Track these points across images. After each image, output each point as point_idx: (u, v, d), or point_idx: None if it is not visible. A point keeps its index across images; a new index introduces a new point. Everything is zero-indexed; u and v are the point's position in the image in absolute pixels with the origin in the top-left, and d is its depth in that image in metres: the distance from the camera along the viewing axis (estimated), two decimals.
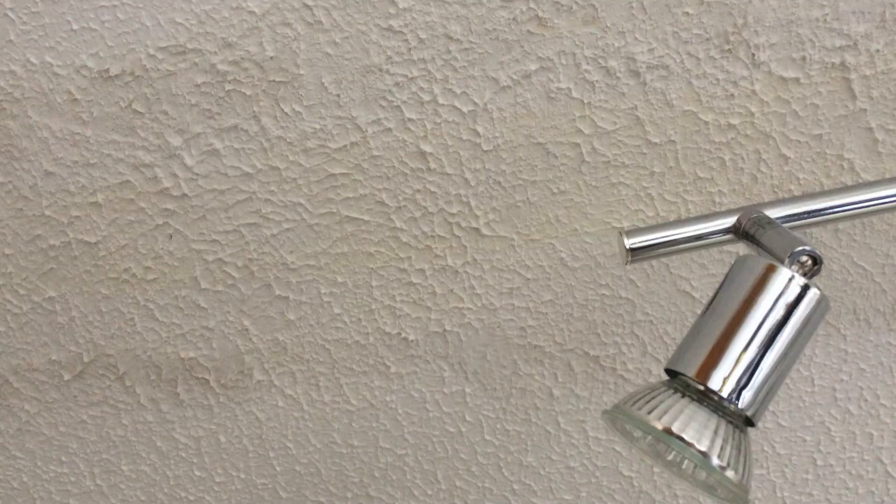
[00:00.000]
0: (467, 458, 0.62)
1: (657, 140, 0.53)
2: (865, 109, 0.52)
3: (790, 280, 0.37)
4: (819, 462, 0.61)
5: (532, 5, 0.51)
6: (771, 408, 0.60)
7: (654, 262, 0.56)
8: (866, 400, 0.59)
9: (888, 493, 0.62)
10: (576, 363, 0.59)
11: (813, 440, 0.61)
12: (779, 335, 0.36)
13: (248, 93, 0.53)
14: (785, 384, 0.59)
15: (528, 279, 0.57)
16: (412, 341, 0.59)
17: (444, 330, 0.58)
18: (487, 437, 0.61)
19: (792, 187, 0.53)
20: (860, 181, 0.53)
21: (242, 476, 0.63)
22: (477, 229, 0.56)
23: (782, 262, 0.37)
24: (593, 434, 0.61)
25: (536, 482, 0.63)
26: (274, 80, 0.52)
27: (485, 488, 0.63)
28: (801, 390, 0.59)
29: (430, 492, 0.63)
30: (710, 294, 0.57)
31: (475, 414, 0.61)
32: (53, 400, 0.61)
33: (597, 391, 0.60)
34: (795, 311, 0.36)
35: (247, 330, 0.59)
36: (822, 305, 0.37)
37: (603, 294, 0.57)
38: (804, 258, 0.37)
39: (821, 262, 0.37)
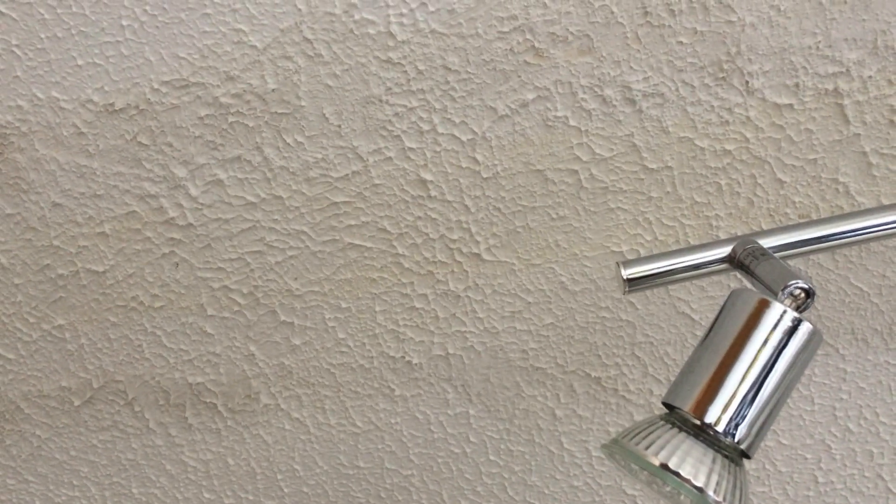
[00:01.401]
0: (472, 479, 0.63)
1: (654, 166, 0.54)
2: (859, 134, 0.52)
3: (783, 314, 0.37)
4: (820, 479, 0.62)
5: (528, 36, 0.51)
6: (772, 426, 0.60)
7: None
8: (866, 418, 0.60)
9: None
10: (578, 384, 0.60)
11: (814, 458, 0.61)
12: (773, 369, 0.37)
13: (251, 124, 0.54)
14: (785, 403, 0.60)
15: (530, 303, 0.58)
16: (416, 364, 0.59)
17: (448, 353, 0.59)
18: (492, 458, 0.62)
19: (788, 211, 0.54)
20: (855, 204, 0.54)
21: (251, 498, 0.64)
22: (478, 254, 0.56)
23: (775, 294, 0.38)
24: (596, 454, 0.62)
25: (541, 502, 0.64)
26: (276, 112, 0.53)
27: None
28: (802, 409, 0.60)
29: None
30: (710, 317, 0.58)
31: (479, 435, 0.62)
32: (64, 425, 0.62)
33: (599, 412, 0.61)
34: (788, 345, 0.37)
35: (253, 355, 0.60)
36: (814, 339, 0.38)
37: (603, 317, 0.58)
38: (797, 291, 0.38)
39: (813, 295, 0.38)
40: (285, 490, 0.64)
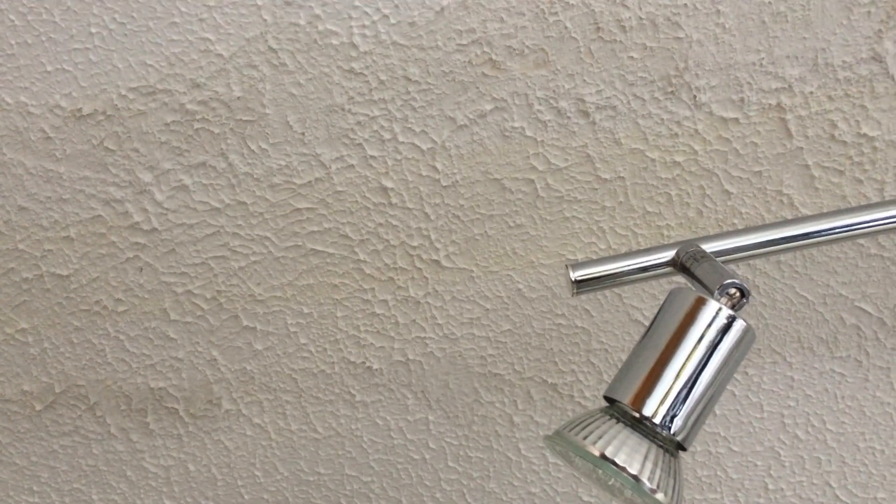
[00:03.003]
0: (431, 485, 0.64)
1: (607, 176, 0.56)
2: (802, 148, 0.55)
3: (718, 311, 0.39)
4: (770, 486, 0.63)
5: (486, 49, 0.53)
6: (722, 433, 0.62)
7: (606, 293, 0.58)
8: (813, 425, 0.61)
9: None
10: (535, 391, 0.61)
11: (764, 465, 0.63)
12: (708, 364, 0.38)
13: (217, 131, 0.55)
14: (735, 410, 0.61)
15: (488, 309, 0.59)
16: (376, 370, 0.61)
17: (408, 359, 0.60)
18: (451, 464, 0.63)
19: (735, 221, 0.56)
20: (799, 215, 0.56)
21: None
22: (437, 261, 0.58)
23: (712, 293, 0.39)
24: (553, 460, 0.63)
25: None
26: (241, 119, 0.55)
27: None
28: (751, 416, 0.61)
29: None
30: None
31: (438, 441, 0.63)
32: (25, 430, 0.62)
33: (556, 418, 0.62)
34: (723, 341, 0.39)
35: (215, 360, 0.60)
36: (748, 336, 0.39)
37: (559, 323, 0.59)
38: (732, 290, 0.39)
39: (748, 294, 0.40)
40: (245, 497, 0.64)
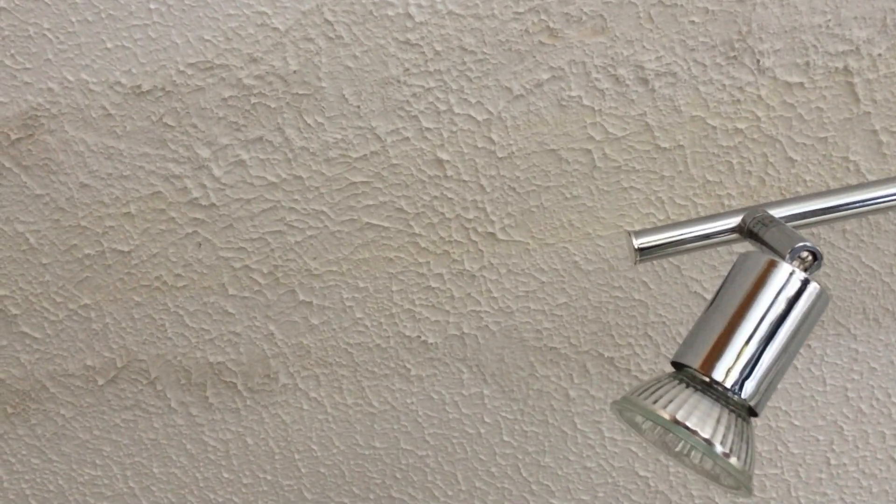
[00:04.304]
0: (486, 460, 0.64)
1: (666, 145, 0.55)
2: (869, 112, 0.53)
3: (791, 275, 0.38)
4: (833, 461, 0.62)
5: (543, 17, 0.53)
6: (784, 407, 0.61)
7: (665, 265, 0.58)
8: (878, 399, 0.60)
9: None
10: (591, 365, 0.61)
11: (826, 439, 0.61)
12: (780, 328, 0.38)
13: (273, 105, 0.55)
14: (797, 383, 0.60)
15: (543, 282, 0.58)
16: (431, 344, 0.61)
17: (463, 333, 0.60)
18: (506, 439, 0.63)
19: (799, 189, 0.55)
20: (866, 182, 0.54)
21: (269, 478, 0.65)
22: (493, 234, 0.58)
23: (783, 258, 0.39)
24: (609, 435, 0.63)
25: (554, 483, 0.64)
26: (297, 93, 0.55)
27: (504, 489, 0.64)
28: (814, 390, 0.60)
29: (450, 493, 0.65)
30: None
31: (493, 416, 0.62)
32: (88, 405, 0.63)
33: (612, 392, 0.61)
34: (796, 304, 0.38)
35: (272, 335, 0.61)
36: (822, 299, 0.38)
37: (616, 296, 0.59)
38: (804, 254, 0.39)
39: (821, 258, 0.39)
40: (303, 470, 0.65)
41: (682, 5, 0.52)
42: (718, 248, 0.54)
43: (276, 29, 0.54)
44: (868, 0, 0.51)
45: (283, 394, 0.62)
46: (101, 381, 0.62)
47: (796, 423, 0.61)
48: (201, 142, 0.56)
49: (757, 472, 0.63)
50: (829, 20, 0.51)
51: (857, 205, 0.45)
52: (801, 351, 0.59)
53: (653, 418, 0.36)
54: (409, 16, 0.53)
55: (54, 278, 0.59)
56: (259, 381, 0.62)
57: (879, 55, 0.52)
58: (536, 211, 0.57)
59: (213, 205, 0.58)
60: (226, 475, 0.65)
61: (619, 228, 0.57)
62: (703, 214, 0.56)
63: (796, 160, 0.54)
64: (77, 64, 0.55)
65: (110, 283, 0.60)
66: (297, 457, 0.64)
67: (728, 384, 0.37)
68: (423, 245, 0.58)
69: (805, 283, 0.38)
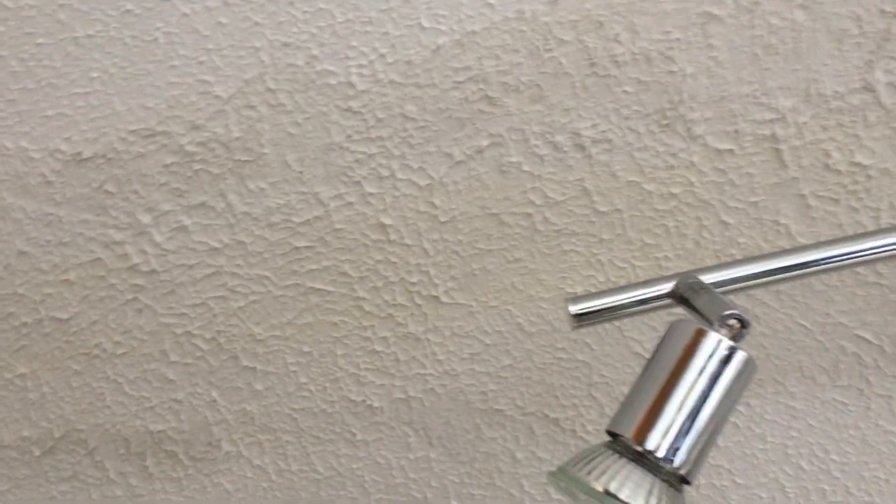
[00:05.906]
0: None
1: (604, 209, 0.56)
2: (797, 178, 0.55)
3: (718, 343, 0.39)
4: None
5: (482, 86, 0.54)
6: (726, 465, 0.62)
7: (607, 326, 0.58)
8: (817, 456, 0.61)
9: None
10: (537, 426, 0.61)
11: (768, 497, 0.62)
12: (709, 396, 0.38)
13: (216, 171, 0.55)
14: (738, 441, 0.61)
15: (488, 344, 0.59)
16: (377, 408, 0.60)
17: (409, 396, 0.60)
18: (453, 502, 0.62)
19: (733, 251, 0.56)
20: (796, 244, 0.56)
21: None
22: (437, 297, 0.58)
23: (712, 324, 0.40)
24: (557, 497, 0.63)
25: None
26: (240, 160, 0.55)
27: None
28: (755, 447, 0.61)
29: None
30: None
31: (440, 479, 0.62)
32: (24, 476, 0.61)
33: (558, 453, 0.61)
34: (724, 373, 0.39)
35: (215, 401, 0.60)
36: (748, 367, 0.39)
37: (560, 357, 0.59)
38: (732, 321, 0.39)
39: (748, 325, 0.40)
40: None
41: (615, 76, 0.54)
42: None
43: (218, 97, 0.54)
44: (792, 71, 0.53)
45: (226, 461, 0.61)
46: (37, 452, 0.61)
47: (739, 481, 0.62)
48: (143, 208, 0.56)
49: None
50: (756, 90, 0.54)
51: (789, 269, 0.46)
52: (741, 409, 0.60)
53: (585, 490, 0.37)
54: (351, 84, 0.54)
55: None
56: (201, 449, 0.61)
57: (804, 123, 0.54)
58: (479, 274, 0.57)
59: (155, 270, 0.57)
60: None
61: (561, 290, 0.57)
62: (641, 276, 0.57)
63: (729, 223, 0.56)
64: (17, 131, 0.54)
65: (48, 352, 0.59)
66: None
67: (660, 454, 0.38)
68: (367, 309, 0.58)
69: (732, 350, 0.39)
